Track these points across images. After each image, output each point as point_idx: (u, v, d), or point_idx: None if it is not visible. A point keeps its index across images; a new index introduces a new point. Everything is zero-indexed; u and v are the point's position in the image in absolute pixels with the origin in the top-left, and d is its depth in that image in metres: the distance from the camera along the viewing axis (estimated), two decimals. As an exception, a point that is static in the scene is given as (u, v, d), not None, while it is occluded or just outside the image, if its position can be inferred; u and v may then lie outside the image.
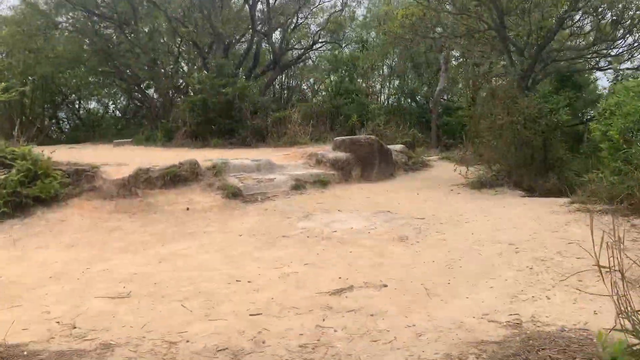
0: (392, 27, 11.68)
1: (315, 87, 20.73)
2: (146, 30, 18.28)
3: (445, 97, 20.40)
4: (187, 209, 7.29)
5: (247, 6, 17.40)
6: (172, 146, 14.80)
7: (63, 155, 11.99)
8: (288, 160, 10.61)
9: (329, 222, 6.08)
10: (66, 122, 28.22)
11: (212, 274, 4.42)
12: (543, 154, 8.29)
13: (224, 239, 5.69)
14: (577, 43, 10.16)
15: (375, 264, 4.36)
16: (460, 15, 10.23)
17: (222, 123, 14.07)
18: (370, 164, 10.35)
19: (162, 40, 18.31)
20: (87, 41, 20.01)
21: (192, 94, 15.81)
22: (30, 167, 6.97)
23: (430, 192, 8.54)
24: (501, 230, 5.40)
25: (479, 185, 8.37)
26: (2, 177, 6.85)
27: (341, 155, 10.32)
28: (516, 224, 5.71)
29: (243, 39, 19.20)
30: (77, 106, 27.89)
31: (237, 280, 4.13)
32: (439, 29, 11.02)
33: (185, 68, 19.18)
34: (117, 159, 10.54)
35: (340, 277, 4.01)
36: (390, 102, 20.76)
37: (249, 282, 4.08)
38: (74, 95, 26.77)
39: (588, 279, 3.61)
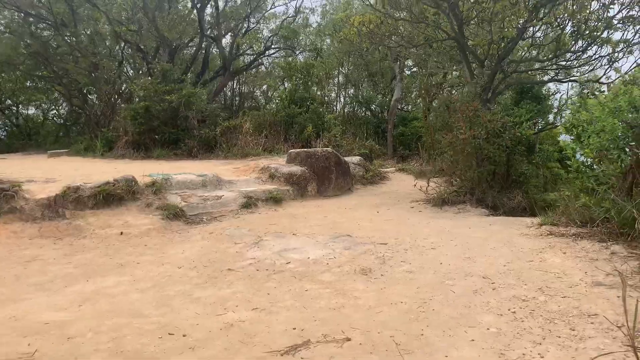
0: (348, 34, 11.23)
1: (269, 94, 20.05)
2: (87, 32, 17.12)
3: (400, 107, 20.19)
4: (121, 233, 6.48)
5: (195, 10, 16.60)
6: (112, 157, 13.81)
7: None
8: (238, 175, 9.91)
9: (282, 250, 5.44)
10: (2, 129, 26.37)
11: (142, 322, 3.69)
12: (506, 169, 7.95)
13: (160, 273, 4.94)
14: (537, 54, 9.97)
15: (335, 307, 3.76)
16: (418, 23, 9.85)
17: (167, 132, 13.19)
18: (327, 178, 9.79)
19: (104, 44, 17.18)
20: (22, 43, 18.58)
21: (137, 101, 14.83)
22: None
23: (390, 210, 8.04)
24: (471, 259, 4.92)
25: (441, 202, 7.95)
26: None
27: (296, 169, 9.70)
28: (486, 250, 5.25)
29: (191, 44, 18.34)
30: (13, 111, 26.11)
31: (169, 334, 3.42)
32: (395, 38, 10.61)
33: (131, 73, 18.09)
34: (48, 174, 9.57)
35: (294, 328, 3.39)
36: (345, 111, 20.35)
37: (184, 335, 3.39)
38: (9, 101, 25.01)
39: (581, 328, 3.14)
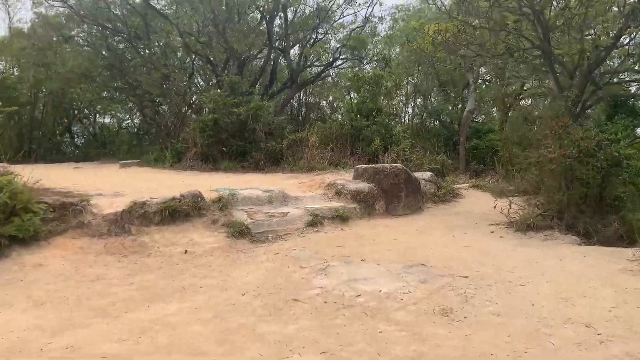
0: (422, 43, 10.76)
1: (335, 104, 19.85)
2: (160, 43, 17.64)
3: (472, 119, 19.34)
4: (185, 252, 6.36)
5: (264, 21, 16.69)
6: (181, 168, 14.01)
7: (60, 178, 11.22)
8: (304, 190, 9.66)
9: (351, 280, 5.06)
10: (80, 137, 27.86)
11: (201, 361, 3.45)
12: (599, 192, 7.18)
13: (223, 300, 4.71)
14: (634, 63, 9.08)
15: (414, 357, 3.33)
16: (499, 31, 9.23)
17: (234, 145, 13.22)
18: (396, 196, 9.33)
19: (175, 56, 17.64)
20: (100, 55, 19.47)
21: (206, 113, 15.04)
22: (6, 201, 6.11)
23: (467, 234, 7.47)
24: (569, 301, 4.33)
25: (525, 227, 7.28)
26: (-26, 212, 6.00)
27: (363, 186, 9.32)
28: (585, 289, 4.63)
29: (260, 55, 18.49)
30: (91, 121, 27.52)
31: (231, 380, 3.14)
32: (473, 47, 10.02)
33: (201, 85, 18.46)
34: (116, 186, 9.73)
35: (369, 382, 3.00)
36: (414, 122, 19.75)
37: (246, 383, 3.09)
38: (86, 110, 26.35)
39: None
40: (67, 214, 6.83)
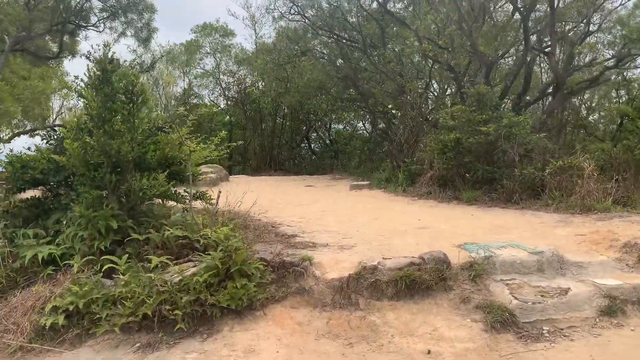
0: None
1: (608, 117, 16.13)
2: (396, 49, 16.58)
3: None
4: (429, 352, 4.74)
5: (515, 15, 14.24)
6: (415, 194, 12.59)
7: (289, 204, 10.76)
8: (587, 250, 7.20)
9: None
10: (317, 143, 29.01)
11: None
12: None
13: None
14: None
15: None
16: None
17: (480, 170, 11.21)
18: None
19: (411, 65, 16.36)
20: (334, 68, 19.40)
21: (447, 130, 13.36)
22: (221, 263, 5.34)
23: None
24: None
25: None
26: (188, 273, 5.37)
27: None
28: None
29: (508, 57, 16.03)
30: (324, 130, 28.39)
31: None
32: None
33: (439, 96, 16.85)
34: (344, 225, 8.74)
35: None
36: None
37: None
38: (319, 122, 27.18)
39: None
40: (287, 275, 5.87)
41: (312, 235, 7.85)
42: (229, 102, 27.51)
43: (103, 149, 6.19)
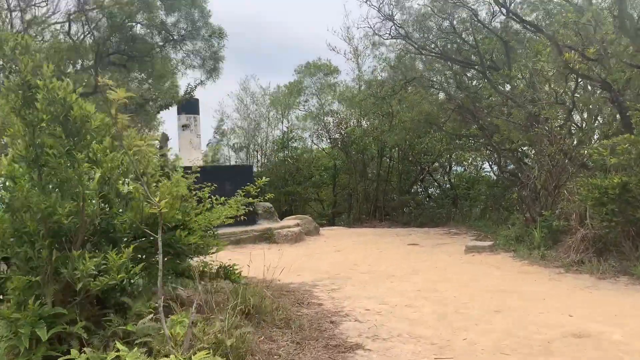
0: None
1: None
2: (526, 69, 13.27)
3: None
4: None
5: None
6: (558, 263, 9.18)
7: (363, 287, 7.98)
8: None
9: None
10: (433, 189, 25.71)
11: None
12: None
13: None
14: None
15: None
16: None
17: (664, 230, 7.54)
18: None
19: (548, 85, 12.91)
20: (447, 96, 16.43)
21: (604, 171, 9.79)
22: None
23: None
24: None
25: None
26: None
27: None
28: None
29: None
30: (441, 173, 25.07)
31: None
32: None
33: (583, 124, 13.11)
34: (444, 330, 5.71)
35: None
36: None
37: None
38: (436, 164, 23.97)
39: None
40: None
41: (386, 346, 4.97)
42: (333, 145, 25.43)
43: (37, 210, 4.02)
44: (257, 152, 27.49)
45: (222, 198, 6.14)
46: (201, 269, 5.73)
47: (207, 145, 27.72)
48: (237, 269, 5.86)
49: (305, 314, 6.22)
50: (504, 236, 11.99)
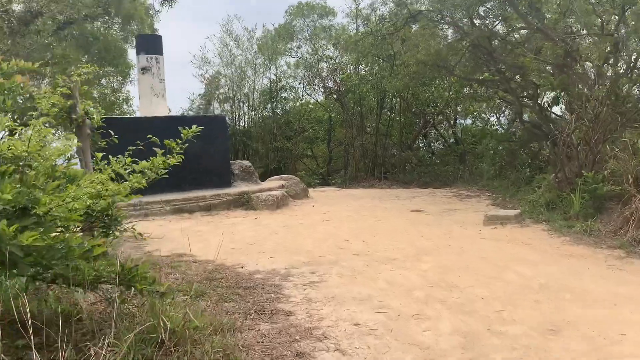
0: None
1: None
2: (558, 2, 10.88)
3: None
4: None
5: None
6: (604, 237, 7.09)
7: (349, 283, 5.85)
8: None
9: None
10: (436, 143, 23.52)
11: None
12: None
13: None
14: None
15: None
16: None
17: None
18: None
19: (589, 20, 10.50)
20: (459, 33, 14.00)
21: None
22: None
23: None
24: None
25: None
26: None
27: None
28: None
29: None
30: (446, 127, 22.82)
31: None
32: None
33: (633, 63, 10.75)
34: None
35: None
36: None
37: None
38: (439, 116, 21.65)
39: None
40: None
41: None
42: (327, 96, 22.99)
43: None
44: (243, 103, 25.02)
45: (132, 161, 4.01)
46: (94, 273, 3.63)
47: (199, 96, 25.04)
48: (148, 273, 3.73)
49: (262, 333, 4.18)
50: (530, 202, 9.92)
